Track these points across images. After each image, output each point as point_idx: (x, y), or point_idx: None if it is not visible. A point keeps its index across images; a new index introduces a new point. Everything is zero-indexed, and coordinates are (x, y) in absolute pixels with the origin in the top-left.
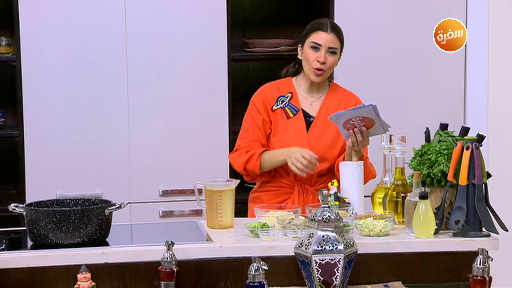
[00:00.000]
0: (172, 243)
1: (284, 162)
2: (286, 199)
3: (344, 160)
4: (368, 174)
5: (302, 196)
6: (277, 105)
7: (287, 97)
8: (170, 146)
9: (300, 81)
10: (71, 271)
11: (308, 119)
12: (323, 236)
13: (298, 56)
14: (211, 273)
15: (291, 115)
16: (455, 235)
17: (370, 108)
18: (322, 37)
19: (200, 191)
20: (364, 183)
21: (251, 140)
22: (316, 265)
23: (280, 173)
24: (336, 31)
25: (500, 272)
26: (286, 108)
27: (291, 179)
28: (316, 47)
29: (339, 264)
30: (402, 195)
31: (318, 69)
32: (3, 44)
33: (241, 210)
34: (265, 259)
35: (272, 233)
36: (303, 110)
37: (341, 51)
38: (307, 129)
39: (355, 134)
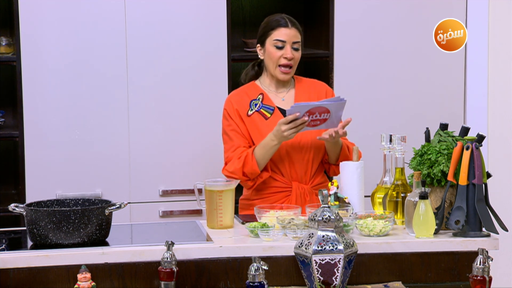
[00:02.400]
0: (172, 243)
1: (279, 144)
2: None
3: (326, 153)
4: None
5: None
6: (252, 110)
7: (259, 99)
8: (170, 146)
9: (264, 81)
10: (71, 271)
11: (286, 115)
12: (323, 236)
13: (259, 57)
14: (211, 273)
15: (268, 115)
16: (455, 235)
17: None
18: (284, 33)
19: (200, 191)
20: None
21: (237, 147)
22: (316, 265)
23: (273, 177)
24: (296, 24)
25: (500, 272)
26: (261, 110)
27: (287, 180)
28: (280, 45)
29: (339, 264)
30: (402, 195)
31: (286, 66)
32: (3, 44)
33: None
34: (265, 259)
35: (272, 233)
36: (278, 108)
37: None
38: None
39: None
